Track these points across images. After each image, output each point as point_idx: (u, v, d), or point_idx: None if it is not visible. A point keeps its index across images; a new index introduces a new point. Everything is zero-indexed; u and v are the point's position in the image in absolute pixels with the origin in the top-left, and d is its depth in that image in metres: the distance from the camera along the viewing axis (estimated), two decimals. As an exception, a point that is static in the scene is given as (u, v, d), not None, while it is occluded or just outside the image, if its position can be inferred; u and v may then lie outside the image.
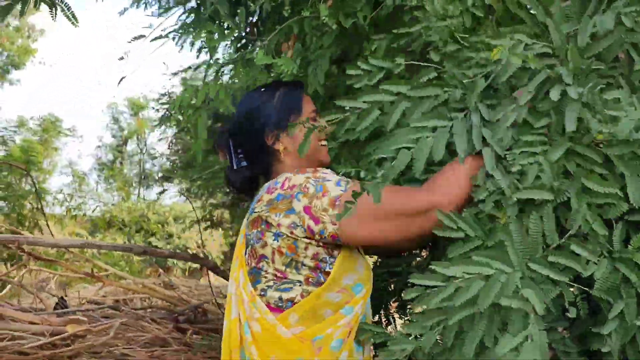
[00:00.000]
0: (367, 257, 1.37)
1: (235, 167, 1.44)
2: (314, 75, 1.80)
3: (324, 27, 1.71)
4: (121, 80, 2.17)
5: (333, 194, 1.20)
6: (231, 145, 1.46)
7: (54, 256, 4.27)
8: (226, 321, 1.35)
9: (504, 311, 0.95)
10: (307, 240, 1.22)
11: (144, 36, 2.03)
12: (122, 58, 2.14)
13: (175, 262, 11.41)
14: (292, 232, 1.21)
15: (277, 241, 1.23)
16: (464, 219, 1.08)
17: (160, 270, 6.27)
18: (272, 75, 2.01)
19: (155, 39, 1.99)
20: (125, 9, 2.32)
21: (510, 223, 1.01)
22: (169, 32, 1.98)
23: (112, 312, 3.57)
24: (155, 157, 17.61)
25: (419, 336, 1.06)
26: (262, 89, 1.45)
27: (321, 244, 1.23)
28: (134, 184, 18.20)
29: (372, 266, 1.41)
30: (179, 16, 2.06)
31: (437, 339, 1.02)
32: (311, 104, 1.44)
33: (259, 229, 1.27)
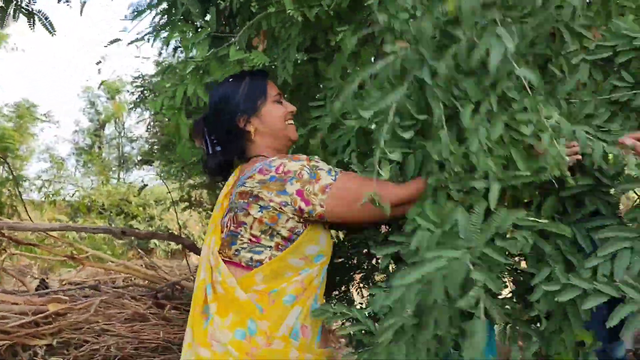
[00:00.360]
0: (331, 231, 1.56)
1: (211, 152, 1.60)
2: (283, 67, 1.92)
3: (290, 19, 1.82)
4: (101, 84, 2.28)
5: (324, 182, 1.39)
6: (206, 133, 1.62)
7: (35, 242, 4.35)
8: (196, 281, 1.53)
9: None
10: (292, 216, 1.41)
11: (119, 39, 2.13)
12: (99, 62, 2.25)
13: (157, 244, 11.50)
14: (281, 208, 1.40)
15: (262, 212, 1.42)
16: (429, 206, 1.19)
17: (141, 252, 6.38)
18: (244, 69, 2.11)
19: (132, 42, 2.10)
20: None
21: (462, 210, 1.11)
22: (145, 35, 2.09)
23: (93, 291, 3.69)
24: (134, 140, 17.52)
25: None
26: (230, 79, 1.62)
27: (302, 220, 1.42)
28: (113, 168, 18.12)
29: (333, 239, 1.60)
30: (152, 18, 2.16)
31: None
32: (275, 88, 1.61)
33: (245, 200, 1.44)
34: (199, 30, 1.96)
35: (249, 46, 1.96)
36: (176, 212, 4.75)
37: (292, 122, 1.61)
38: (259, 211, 1.42)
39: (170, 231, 12.13)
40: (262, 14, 1.89)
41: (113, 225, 11.49)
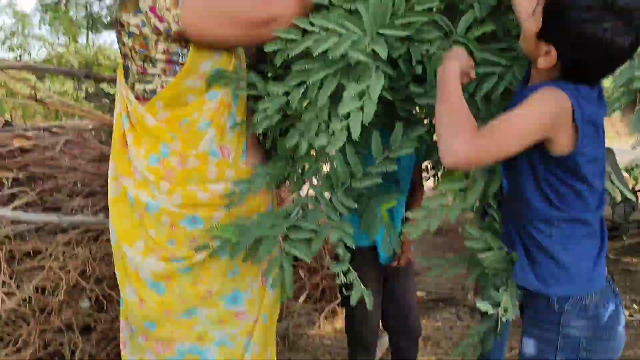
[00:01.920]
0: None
1: None
2: None
3: None
4: None
5: None
6: None
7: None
8: (115, 114, 1.47)
9: (357, 68, 1.12)
10: (156, 37, 1.29)
11: None
12: None
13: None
14: (140, 32, 1.29)
15: (131, 40, 1.31)
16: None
17: (110, 104, 6.25)
18: None
19: None
20: None
21: None
22: None
23: (58, 130, 3.61)
24: (103, -1, 16.56)
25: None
26: None
27: (171, 39, 1.30)
28: (81, 28, 17.25)
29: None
30: None
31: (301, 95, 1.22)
32: None
33: (117, 30, 1.34)
34: None
35: None
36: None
37: None
38: (129, 39, 1.32)
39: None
40: None
41: (82, 87, 11.15)
